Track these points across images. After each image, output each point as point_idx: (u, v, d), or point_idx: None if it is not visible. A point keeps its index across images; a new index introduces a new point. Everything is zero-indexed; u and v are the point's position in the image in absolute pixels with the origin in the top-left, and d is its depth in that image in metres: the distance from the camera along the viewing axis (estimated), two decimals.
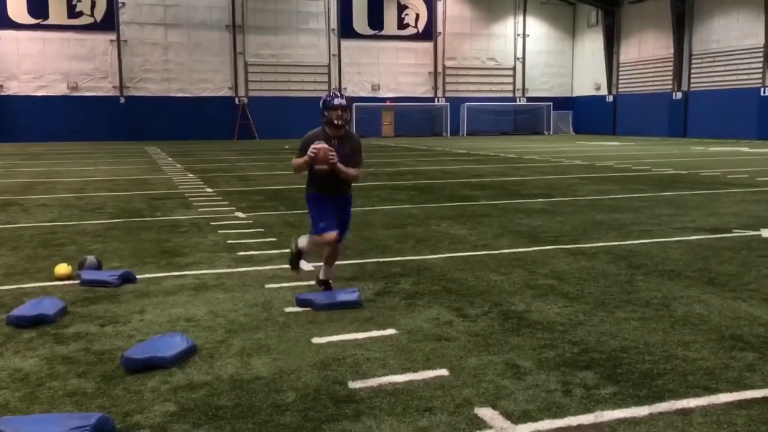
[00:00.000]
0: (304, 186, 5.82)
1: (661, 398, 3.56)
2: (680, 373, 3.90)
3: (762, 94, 36.64)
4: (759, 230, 8.54)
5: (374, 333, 4.68)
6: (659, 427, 3.24)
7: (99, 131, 39.81)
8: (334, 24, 44.72)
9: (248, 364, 4.13)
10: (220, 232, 8.84)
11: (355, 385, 3.78)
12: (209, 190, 13.94)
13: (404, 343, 4.48)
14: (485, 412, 3.42)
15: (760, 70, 36.70)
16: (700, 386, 3.71)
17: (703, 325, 4.78)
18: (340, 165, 5.44)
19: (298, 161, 5.56)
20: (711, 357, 4.16)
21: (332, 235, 5.53)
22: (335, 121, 5.45)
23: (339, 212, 5.69)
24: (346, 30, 45.00)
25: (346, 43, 45.11)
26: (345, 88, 44.61)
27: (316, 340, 4.56)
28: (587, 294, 5.64)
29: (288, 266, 6.23)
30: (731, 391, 3.63)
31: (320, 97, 5.80)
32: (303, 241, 5.94)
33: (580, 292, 5.72)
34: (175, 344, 4.24)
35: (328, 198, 5.62)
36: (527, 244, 7.86)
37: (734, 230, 8.58)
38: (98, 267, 6.50)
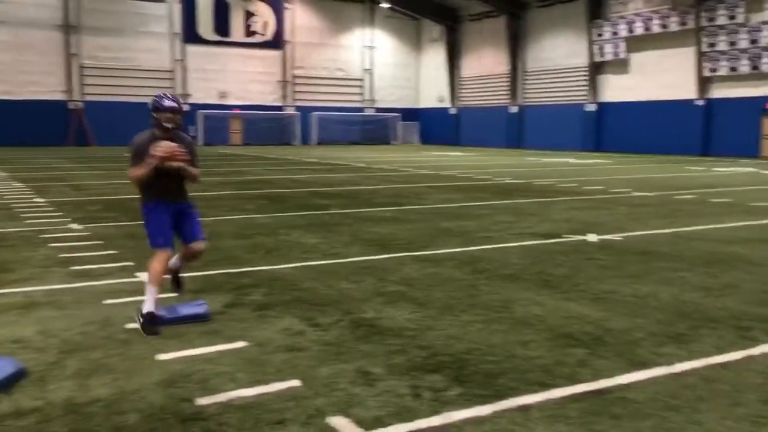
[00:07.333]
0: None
1: (503, 396, 3.74)
2: (520, 371, 4.12)
3: (585, 109, 39.98)
4: (585, 235, 9.26)
5: (223, 346, 4.54)
6: (502, 424, 3.40)
7: None
8: (177, 28, 43.24)
9: (85, 385, 3.86)
10: (51, 245, 8.22)
11: (202, 401, 3.65)
12: (39, 200, 12.92)
13: (255, 355, 4.39)
14: (337, 421, 3.42)
15: (585, 88, 40.03)
16: (537, 383, 3.93)
17: (540, 325, 5.09)
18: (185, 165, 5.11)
19: (139, 171, 5.04)
20: (547, 354, 4.43)
21: (167, 252, 5.09)
22: (165, 124, 5.09)
23: (184, 219, 5.29)
24: (191, 35, 43.66)
25: (191, 48, 43.76)
26: (190, 95, 43.24)
27: (160, 356, 4.35)
28: (435, 299, 5.83)
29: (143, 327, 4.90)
30: (565, 386, 3.89)
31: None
32: (149, 305, 4.95)
33: (428, 297, 5.89)
34: (0, 369, 3.87)
35: (169, 205, 5.20)
36: (377, 251, 8.00)
37: (564, 235, 9.24)
38: None
